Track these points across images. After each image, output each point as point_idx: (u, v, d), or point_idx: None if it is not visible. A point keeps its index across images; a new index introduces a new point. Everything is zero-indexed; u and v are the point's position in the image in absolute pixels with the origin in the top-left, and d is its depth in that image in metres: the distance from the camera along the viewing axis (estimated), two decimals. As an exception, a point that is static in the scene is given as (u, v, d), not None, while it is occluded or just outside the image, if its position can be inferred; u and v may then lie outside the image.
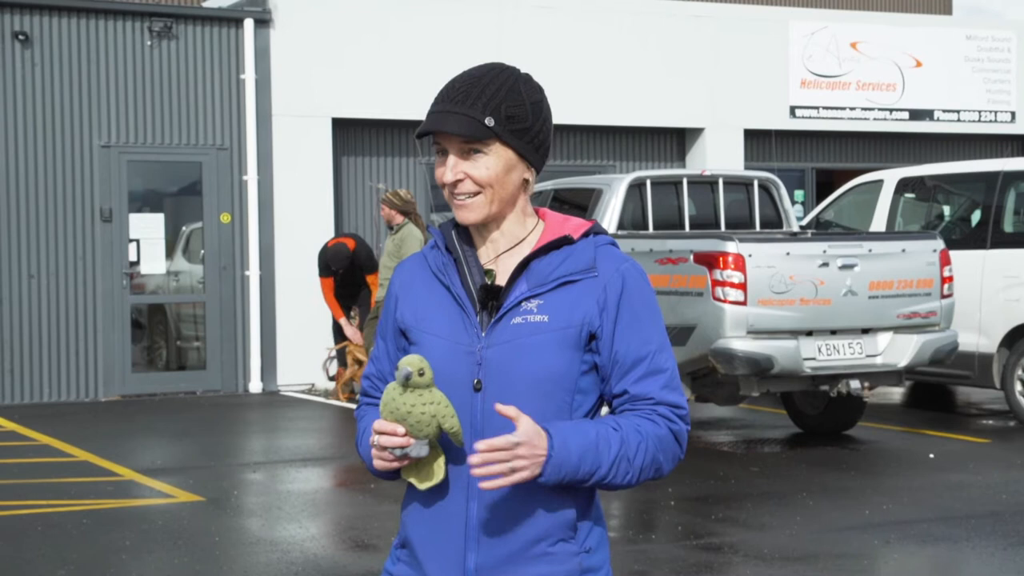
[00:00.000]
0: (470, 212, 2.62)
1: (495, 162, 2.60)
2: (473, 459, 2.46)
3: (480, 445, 2.46)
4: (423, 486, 2.58)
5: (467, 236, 2.71)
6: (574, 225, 2.69)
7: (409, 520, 2.67)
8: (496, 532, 2.58)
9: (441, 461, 2.58)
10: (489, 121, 2.57)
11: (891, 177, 13.63)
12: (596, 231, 2.69)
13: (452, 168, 2.60)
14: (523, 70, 2.69)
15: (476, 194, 2.61)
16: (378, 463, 2.57)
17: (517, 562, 2.59)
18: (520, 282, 2.63)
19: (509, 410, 2.47)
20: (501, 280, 2.65)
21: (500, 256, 2.68)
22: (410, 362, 2.50)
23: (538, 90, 2.66)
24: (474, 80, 2.60)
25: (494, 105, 2.58)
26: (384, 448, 2.53)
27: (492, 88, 2.59)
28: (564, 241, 2.65)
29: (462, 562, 2.59)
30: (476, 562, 2.59)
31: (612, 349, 2.61)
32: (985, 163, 13.16)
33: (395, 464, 2.55)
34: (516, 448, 2.45)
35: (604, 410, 2.71)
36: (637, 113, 17.03)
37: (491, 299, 2.63)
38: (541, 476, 2.50)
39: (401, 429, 2.51)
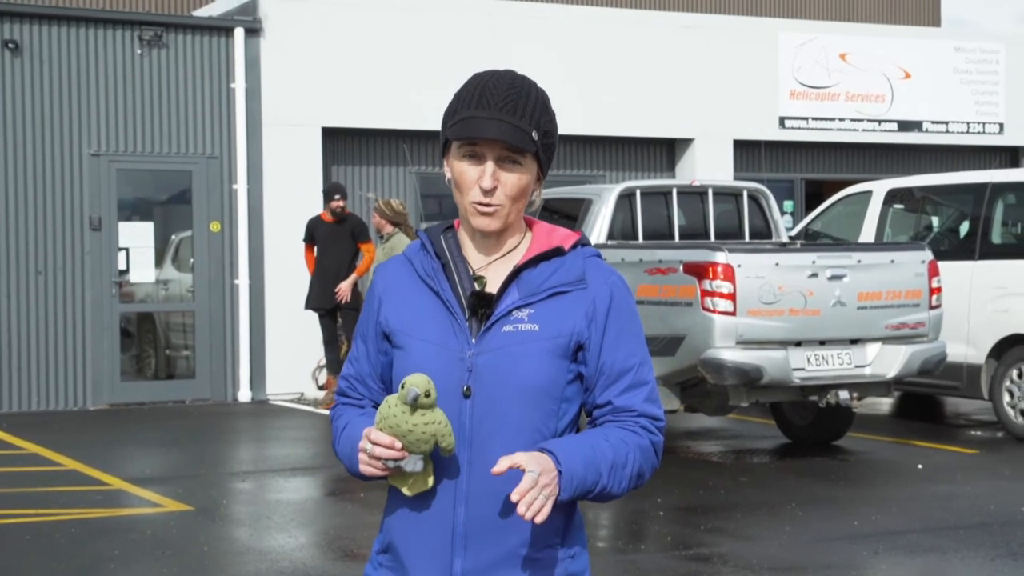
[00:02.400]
0: (494, 221, 2.62)
1: (527, 175, 2.63)
2: (520, 510, 2.44)
3: (514, 497, 2.43)
4: (411, 492, 2.58)
5: (455, 241, 2.72)
6: (562, 236, 2.71)
7: (394, 524, 2.66)
8: (483, 536, 2.58)
9: (430, 469, 2.59)
10: (535, 135, 2.60)
11: (880, 188, 13.66)
12: (583, 243, 2.71)
13: (491, 175, 2.59)
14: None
15: (501, 204, 2.62)
16: (366, 469, 2.57)
17: (503, 567, 2.59)
18: (511, 290, 2.64)
19: (502, 465, 2.46)
20: (491, 287, 2.65)
21: (491, 264, 2.68)
22: (416, 383, 2.48)
23: None
24: (515, 90, 2.60)
25: (535, 119, 2.60)
26: (377, 458, 2.53)
27: (532, 101, 2.61)
28: (555, 252, 2.67)
29: (448, 566, 2.60)
30: (463, 566, 2.59)
31: (599, 360, 2.64)
32: (973, 174, 13.18)
33: (383, 472, 2.56)
34: (539, 480, 2.46)
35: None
36: (627, 123, 17.05)
37: (482, 306, 2.63)
38: (560, 494, 2.51)
39: (399, 444, 2.50)
